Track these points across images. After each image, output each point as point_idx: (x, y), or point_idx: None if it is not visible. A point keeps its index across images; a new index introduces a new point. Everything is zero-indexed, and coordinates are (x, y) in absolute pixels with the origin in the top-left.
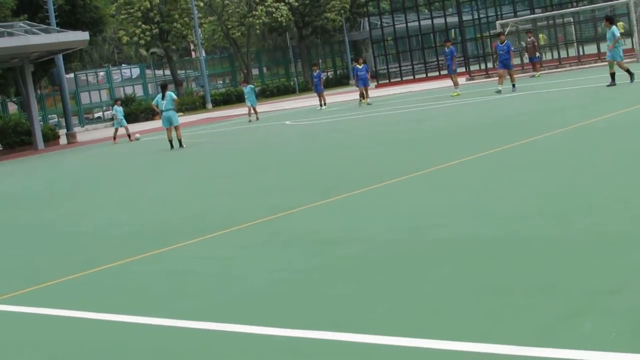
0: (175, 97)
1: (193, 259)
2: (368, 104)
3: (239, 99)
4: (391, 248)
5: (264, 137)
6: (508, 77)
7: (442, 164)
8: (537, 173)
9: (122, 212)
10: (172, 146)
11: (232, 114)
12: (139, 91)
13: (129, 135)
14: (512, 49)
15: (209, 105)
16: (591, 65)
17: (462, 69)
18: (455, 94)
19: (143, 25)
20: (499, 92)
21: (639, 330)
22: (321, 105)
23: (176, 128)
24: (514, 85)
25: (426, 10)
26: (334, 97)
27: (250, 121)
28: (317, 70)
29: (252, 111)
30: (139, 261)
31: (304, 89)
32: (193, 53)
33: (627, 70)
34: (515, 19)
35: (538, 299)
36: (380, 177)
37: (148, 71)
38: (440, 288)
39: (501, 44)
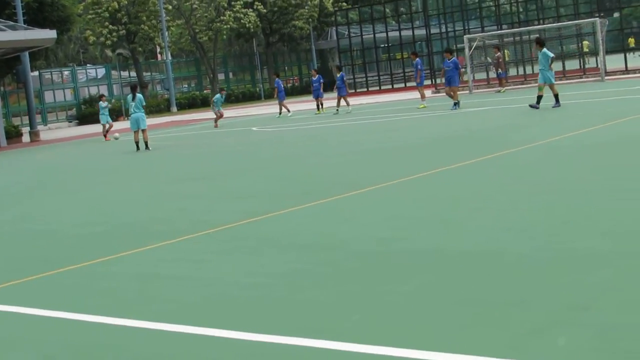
0: (144, 102)
1: (164, 262)
2: (348, 112)
3: (204, 103)
4: (363, 256)
5: (231, 142)
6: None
7: (410, 175)
8: (505, 188)
9: (90, 212)
10: (137, 148)
11: (198, 118)
12: (103, 91)
13: (105, 134)
14: (460, 66)
15: (174, 109)
16: (556, 82)
17: (429, 82)
18: (422, 106)
19: (110, 26)
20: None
21: (607, 346)
22: (319, 109)
23: (143, 131)
24: (455, 104)
25: (394, 22)
26: (299, 105)
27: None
28: (317, 75)
29: (217, 117)
30: (108, 262)
31: (269, 95)
32: (159, 56)
33: (554, 94)
34: (483, 34)
35: (508, 312)
36: (350, 186)
37: (114, 72)
38: (412, 299)
39: (448, 60)
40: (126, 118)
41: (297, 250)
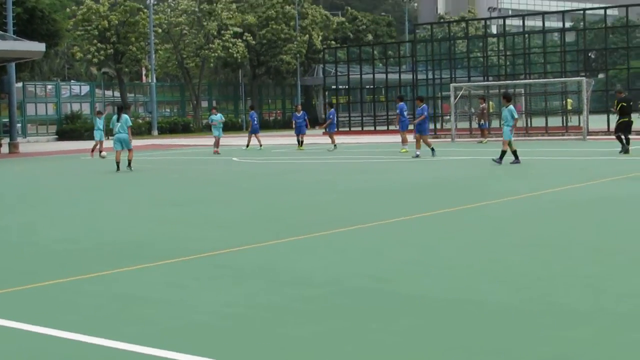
0: (130, 123)
1: (143, 284)
2: (329, 150)
3: (185, 128)
4: (344, 295)
5: (212, 170)
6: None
7: (390, 218)
8: (487, 238)
9: (69, 229)
10: (118, 168)
11: (179, 144)
12: (86, 109)
13: (92, 150)
14: (425, 114)
15: (155, 132)
16: (538, 137)
17: (410, 127)
18: (403, 150)
19: (98, 44)
20: (434, 153)
21: None
22: (299, 144)
23: (129, 151)
24: (417, 155)
25: (381, 65)
26: (280, 139)
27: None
28: (302, 112)
29: (216, 142)
30: (87, 280)
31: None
32: (144, 78)
33: (502, 150)
34: (469, 83)
35: None
36: (330, 224)
37: (98, 90)
38: (395, 341)
39: (419, 107)
40: (107, 137)
41: (278, 284)
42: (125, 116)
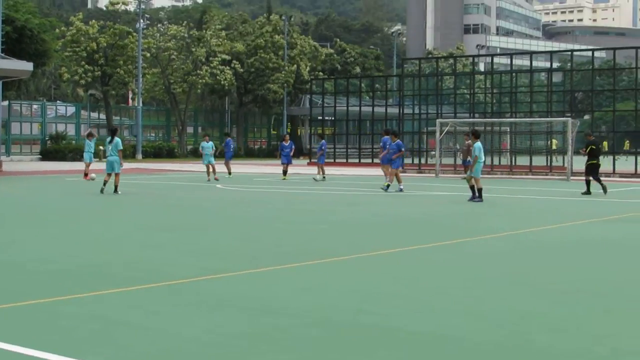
0: (120, 147)
1: (121, 308)
2: (315, 179)
3: (169, 153)
4: (324, 326)
5: (195, 197)
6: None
7: (372, 251)
8: (467, 275)
9: (51, 249)
10: (102, 191)
11: (163, 168)
12: (71, 130)
13: (85, 173)
14: (403, 149)
15: (139, 156)
16: (522, 176)
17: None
18: (386, 184)
19: (86, 66)
20: (401, 190)
21: None
22: (283, 174)
23: (116, 175)
24: (387, 187)
25: (368, 97)
26: (265, 168)
27: (209, 180)
28: (290, 141)
29: (212, 169)
30: (65, 301)
31: (236, 155)
32: (131, 101)
33: (478, 189)
34: (455, 120)
35: None
36: (312, 255)
37: (83, 112)
38: None
39: (392, 142)
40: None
41: (256, 312)
42: (117, 139)
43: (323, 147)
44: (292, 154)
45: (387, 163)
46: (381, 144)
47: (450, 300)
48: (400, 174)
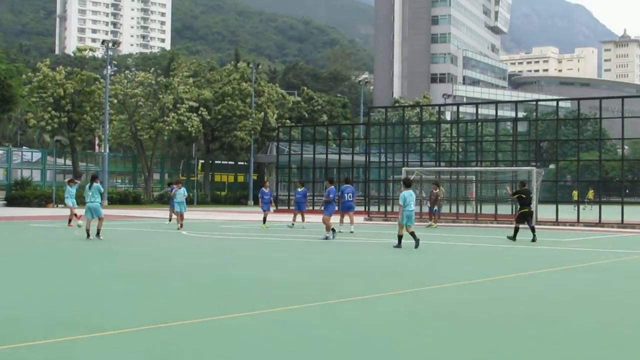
0: (101, 191)
1: (70, 357)
2: (289, 226)
3: (135, 200)
4: None
5: (161, 243)
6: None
7: (325, 300)
8: (414, 326)
9: (5, 297)
10: (88, 236)
11: (130, 215)
12: (36, 176)
13: (70, 219)
14: (332, 196)
15: (105, 202)
16: (487, 224)
17: (361, 208)
18: (351, 232)
19: (53, 112)
20: (326, 238)
21: None
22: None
23: (99, 219)
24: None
25: (334, 145)
26: (232, 214)
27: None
28: (303, 188)
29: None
30: (15, 349)
31: (202, 201)
32: (97, 147)
33: (400, 237)
34: (421, 168)
35: None
36: (270, 303)
37: (50, 158)
38: None
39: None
40: (55, 205)
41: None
42: (96, 185)
43: (265, 195)
44: (271, 201)
45: (348, 210)
46: (339, 192)
47: (412, 348)
48: (354, 220)
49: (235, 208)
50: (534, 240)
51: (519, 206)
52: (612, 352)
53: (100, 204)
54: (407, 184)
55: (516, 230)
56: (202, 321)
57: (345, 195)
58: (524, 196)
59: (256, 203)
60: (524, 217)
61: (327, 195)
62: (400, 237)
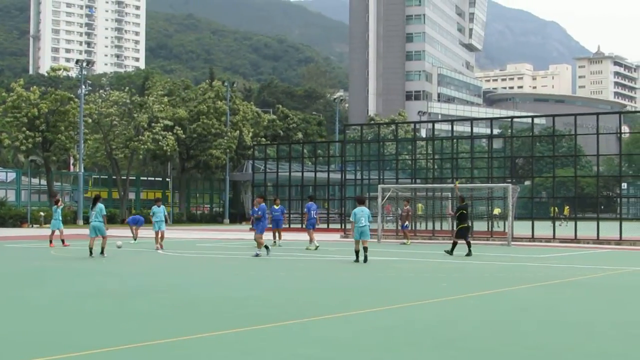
0: (104, 212)
1: None
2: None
3: (110, 219)
4: None
5: (137, 262)
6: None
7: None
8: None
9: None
10: (91, 253)
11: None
12: (11, 196)
13: (62, 240)
14: (261, 214)
15: (80, 222)
16: (463, 241)
17: (338, 226)
18: (313, 247)
19: (27, 132)
20: (257, 255)
21: None
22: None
23: (103, 238)
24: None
25: (310, 163)
26: (208, 233)
27: (157, 248)
28: (280, 205)
29: (161, 236)
30: None
31: (178, 220)
32: (72, 167)
33: (357, 252)
34: (397, 185)
35: None
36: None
37: (24, 178)
38: None
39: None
40: (30, 225)
41: None
42: (100, 205)
43: (274, 211)
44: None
45: (312, 227)
46: (305, 209)
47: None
48: (313, 237)
49: (212, 226)
50: (469, 254)
51: (457, 222)
52: None
53: (104, 222)
54: (360, 200)
55: (454, 244)
56: (177, 340)
57: (312, 212)
58: (465, 212)
59: (233, 221)
60: (464, 232)
61: (256, 213)
62: (357, 252)
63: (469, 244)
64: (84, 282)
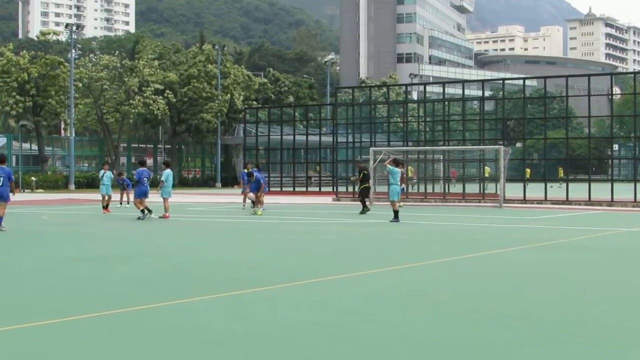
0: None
1: (49, 342)
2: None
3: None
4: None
5: (129, 227)
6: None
7: (289, 281)
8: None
9: None
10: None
11: (96, 199)
12: None
13: (105, 206)
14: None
15: (72, 186)
16: (455, 203)
17: (330, 189)
18: (258, 212)
19: (17, 96)
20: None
21: None
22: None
23: (165, 200)
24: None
25: (302, 126)
26: (200, 197)
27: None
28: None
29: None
30: None
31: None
32: (63, 131)
33: (365, 205)
34: (389, 148)
35: None
36: (242, 284)
37: (15, 143)
38: None
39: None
40: (22, 190)
41: (197, 342)
42: (168, 171)
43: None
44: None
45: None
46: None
47: (380, 327)
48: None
49: (203, 190)
50: (363, 212)
51: (359, 183)
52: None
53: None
54: (399, 162)
55: (363, 202)
56: (173, 304)
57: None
58: (366, 172)
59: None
60: (366, 191)
61: (137, 177)
62: (396, 212)
63: (362, 203)
64: (77, 246)
